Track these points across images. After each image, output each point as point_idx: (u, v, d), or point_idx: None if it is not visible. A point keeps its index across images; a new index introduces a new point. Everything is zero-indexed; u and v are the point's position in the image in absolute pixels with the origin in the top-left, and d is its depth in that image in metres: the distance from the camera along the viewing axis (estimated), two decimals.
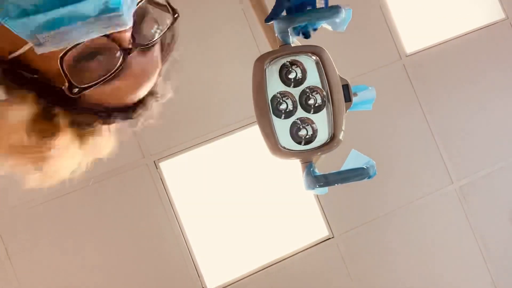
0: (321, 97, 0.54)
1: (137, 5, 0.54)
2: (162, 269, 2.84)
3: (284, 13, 0.70)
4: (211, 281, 2.88)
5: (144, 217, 2.86)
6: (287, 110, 0.55)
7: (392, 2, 3.26)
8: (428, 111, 3.22)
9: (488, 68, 3.34)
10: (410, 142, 3.19)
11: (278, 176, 3.00)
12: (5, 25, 0.47)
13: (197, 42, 2.78)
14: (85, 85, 0.55)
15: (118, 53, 0.55)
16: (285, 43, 0.60)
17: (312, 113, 0.55)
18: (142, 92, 0.63)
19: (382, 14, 3.23)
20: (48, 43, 0.49)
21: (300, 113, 0.55)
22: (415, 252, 3.12)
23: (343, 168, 0.57)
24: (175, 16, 0.61)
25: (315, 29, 0.68)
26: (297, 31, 0.66)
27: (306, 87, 0.55)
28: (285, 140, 0.56)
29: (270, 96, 0.54)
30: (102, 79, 0.55)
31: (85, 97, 0.58)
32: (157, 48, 0.63)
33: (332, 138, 0.55)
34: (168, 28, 0.61)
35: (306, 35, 0.68)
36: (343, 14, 0.65)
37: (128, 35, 0.55)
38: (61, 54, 0.52)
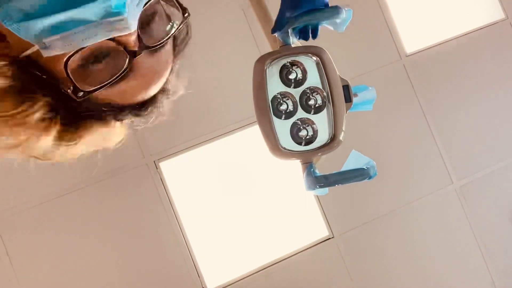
0: (322, 97, 0.54)
1: (144, 6, 0.54)
2: (162, 269, 2.84)
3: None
4: (211, 281, 2.88)
5: (144, 217, 2.86)
6: (288, 110, 0.55)
7: (392, 2, 3.26)
8: (428, 111, 3.22)
9: (488, 68, 3.34)
10: (410, 142, 3.19)
11: (278, 176, 3.00)
12: (9, 29, 0.48)
13: (197, 43, 2.78)
14: (90, 89, 0.55)
15: (125, 56, 0.55)
16: (285, 44, 0.60)
17: (313, 114, 0.55)
18: (152, 91, 0.63)
19: (382, 14, 3.23)
20: (54, 46, 0.50)
21: (301, 113, 0.55)
22: (415, 252, 3.12)
23: (343, 169, 0.57)
24: (185, 15, 0.61)
25: (314, 31, 0.68)
26: (296, 32, 0.66)
27: (307, 88, 0.55)
28: (286, 140, 0.56)
29: (270, 97, 0.55)
30: (107, 82, 0.55)
31: (94, 97, 0.58)
32: (168, 46, 0.62)
33: (333, 139, 0.55)
34: (178, 29, 0.61)
35: (306, 37, 0.68)
36: (344, 14, 0.65)
37: (133, 38, 0.54)
38: (65, 58, 0.52)
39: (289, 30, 0.61)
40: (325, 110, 0.55)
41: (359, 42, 3.18)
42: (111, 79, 0.55)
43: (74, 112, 0.60)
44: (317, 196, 3.02)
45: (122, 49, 0.54)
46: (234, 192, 2.98)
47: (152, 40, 0.57)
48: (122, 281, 2.81)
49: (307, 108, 0.55)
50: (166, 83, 0.66)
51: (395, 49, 3.23)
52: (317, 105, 0.55)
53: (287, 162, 0.58)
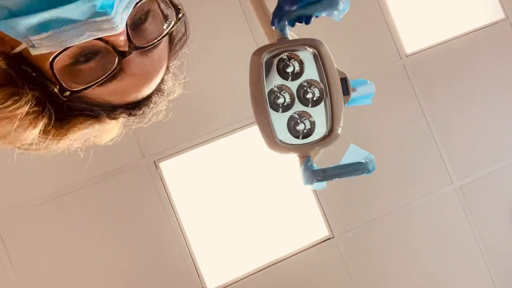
0: (319, 90, 0.54)
1: (135, 6, 0.54)
2: (162, 269, 2.84)
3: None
4: (211, 281, 2.88)
5: (144, 217, 2.86)
6: (285, 104, 0.54)
7: (392, 2, 3.26)
8: (428, 111, 3.22)
9: (488, 68, 3.34)
10: (410, 142, 3.19)
11: (278, 176, 3.00)
12: None
13: (196, 42, 2.78)
14: (77, 89, 0.55)
15: (114, 56, 0.54)
16: (283, 36, 0.59)
17: (310, 107, 0.54)
18: (145, 92, 0.62)
19: (382, 14, 3.23)
20: (41, 45, 0.50)
21: (298, 107, 0.54)
22: (415, 252, 3.12)
23: (342, 163, 0.56)
24: (179, 16, 0.60)
25: (308, 18, 0.67)
26: (292, 23, 0.66)
27: (304, 81, 0.54)
28: (283, 134, 0.55)
29: (267, 90, 0.54)
30: (94, 82, 0.55)
31: (84, 95, 0.58)
32: (162, 46, 0.62)
33: (330, 132, 0.54)
34: (170, 30, 0.60)
35: (300, 22, 0.67)
36: (341, 6, 0.65)
37: (122, 38, 0.54)
38: (51, 58, 0.52)
39: (286, 22, 0.61)
40: (322, 103, 0.55)
41: (359, 42, 3.18)
42: (99, 79, 0.55)
43: (63, 109, 0.60)
44: (317, 196, 3.02)
45: (111, 49, 0.54)
46: (234, 192, 2.98)
47: (144, 40, 0.57)
48: (122, 281, 2.81)
49: (304, 101, 0.54)
50: (161, 83, 0.65)
51: (395, 49, 3.23)
52: (314, 98, 0.54)
53: (284, 156, 0.57)
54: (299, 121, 0.54)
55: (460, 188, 3.21)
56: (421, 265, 3.11)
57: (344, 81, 0.57)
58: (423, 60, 3.26)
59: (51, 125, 0.59)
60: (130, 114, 0.65)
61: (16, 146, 0.61)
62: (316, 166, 0.56)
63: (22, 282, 2.73)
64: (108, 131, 0.69)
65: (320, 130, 0.55)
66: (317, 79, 0.54)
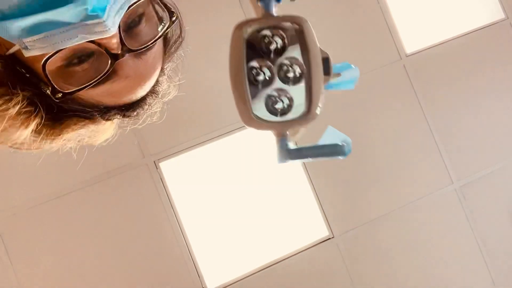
0: (300, 69, 0.53)
1: (128, 9, 0.54)
2: (162, 269, 2.84)
3: None
4: (211, 281, 2.88)
5: (144, 217, 2.86)
6: (264, 80, 0.53)
7: (392, 2, 3.26)
8: (428, 111, 3.22)
9: (488, 68, 3.34)
10: (410, 142, 3.19)
11: (278, 176, 3.00)
12: None
13: (196, 41, 2.79)
14: (70, 90, 0.55)
15: (107, 59, 0.55)
16: (267, 12, 0.58)
17: (290, 85, 0.53)
18: (139, 94, 0.63)
19: (382, 14, 3.23)
20: (33, 47, 0.50)
21: (278, 84, 0.53)
22: (415, 252, 3.12)
23: (318, 143, 0.55)
24: (173, 19, 0.60)
25: None
26: None
27: (286, 58, 0.53)
28: (260, 110, 0.54)
29: (248, 66, 0.53)
30: (87, 84, 0.55)
31: (77, 97, 0.58)
32: (156, 49, 0.62)
33: (308, 112, 0.53)
34: (164, 32, 0.60)
35: None
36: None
37: (115, 41, 0.54)
38: (43, 60, 0.52)
39: None
40: (303, 82, 0.54)
41: (359, 42, 3.18)
42: (91, 81, 0.55)
43: (56, 109, 0.60)
44: (317, 196, 3.02)
45: (104, 51, 0.54)
46: (234, 192, 2.98)
47: (137, 43, 0.57)
48: (122, 281, 2.81)
49: (284, 79, 0.53)
50: (155, 85, 0.65)
51: (395, 49, 3.23)
52: (295, 77, 0.53)
53: (260, 132, 0.57)
54: (277, 98, 0.53)
55: (460, 188, 3.21)
56: (421, 265, 3.11)
57: (326, 61, 0.56)
58: (423, 60, 3.26)
59: (44, 125, 0.60)
60: (124, 116, 0.66)
61: (8, 145, 0.61)
62: (292, 145, 0.55)
63: (22, 282, 2.73)
64: (103, 131, 0.69)
65: (298, 109, 0.54)
66: (299, 57, 0.53)
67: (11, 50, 0.54)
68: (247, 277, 2.91)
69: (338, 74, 0.62)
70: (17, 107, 0.56)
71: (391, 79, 3.21)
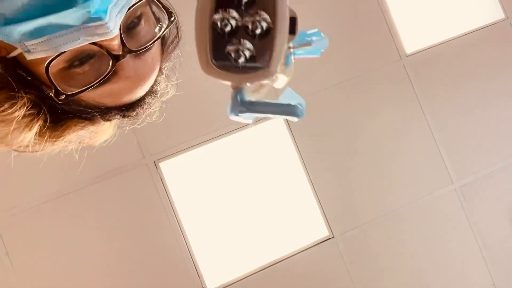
0: (267, 24, 0.52)
1: (128, 10, 0.54)
2: (162, 269, 2.84)
3: None
4: (211, 281, 2.88)
5: (144, 217, 2.86)
6: (229, 32, 0.53)
7: (392, 2, 3.26)
8: (428, 111, 3.22)
9: (488, 68, 3.34)
10: (410, 142, 3.19)
11: (278, 176, 3.00)
12: None
13: (193, 41, 2.78)
14: (72, 92, 0.56)
15: (108, 60, 0.55)
16: None
17: (254, 39, 0.53)
18: (139, 94, 0.63)
19: (382, 14, 3.23)
20: (35, 50, 0.51)
21: (242, 36, 0.53)
22: (415, 252, 3.12)
23: (273, 101, 0.55)
24: (171, 19, 0.61)
25: None
26: None
27: (253, 11, 0.52)
28: (220, 60, 0.54)
29: (213, 15, 0.52)
30: (89, 86, 0.56)
31: (78, 98, 0.58)
32: (155, 49, 0.62)
33: (268, 67, 0.53)
34: (162, 33, 0.61)
35: None
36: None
37: (116, 42, 0.55)
38: (46, 62, 0.52)
39: None
40: (267, 37, 0.53)
41: (359, 42, 3.18)
42: (93, 83, 0.56)
43: (58, 111, 0.60)
44: (317, 196, 3.02)
45: (105, 53, 0.55)
46: (234, 192, 2.98)
47: (137, 44, 0.58)
48: (122, 281, 2.81)
49: (249, 32, 0.53)
50: (154, 84, 0.66)
51: (395, 49, 3.23)
52: (260, 31, 0.53)
53: (219, 82, 0.56)
54: (239, 51, 0.53)
55: (460, 188, 3.21)
56: (421, 265, 3.12)
57: (293, 20, 0.55)
58: (423, 60, 3.26)
59: (46, 127, 0.60)
60: (124, 116, 0.66)
61: (12, 148, 0.62)
62: (247, 98, 0.55)
63: (22, 282, 2.73)
64: (102, 132, 0.70)
65: (258, 64, 0.53)
66: (267, 12, 0.53)
67: (13, 54, 0.54)
68: (247, 277, 2.91)
69: (309, 44, 0.61)
70: (23, 110, 0.56)
71: (391, 79, 3.21)
